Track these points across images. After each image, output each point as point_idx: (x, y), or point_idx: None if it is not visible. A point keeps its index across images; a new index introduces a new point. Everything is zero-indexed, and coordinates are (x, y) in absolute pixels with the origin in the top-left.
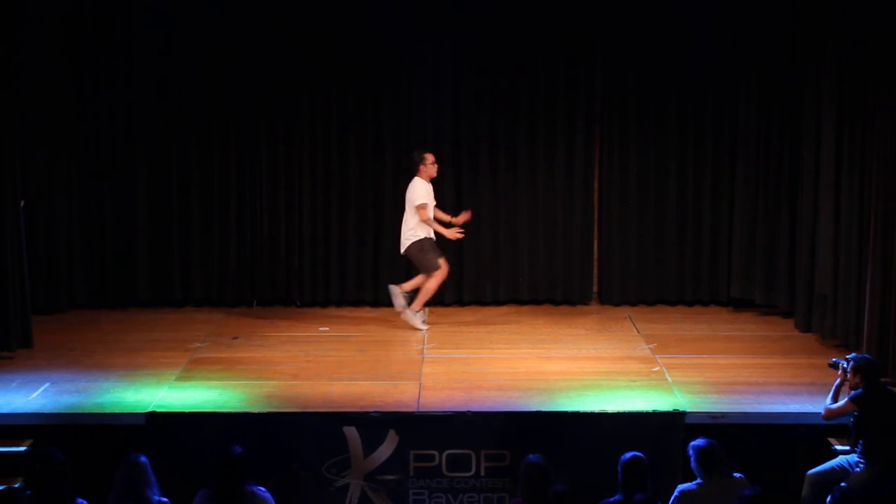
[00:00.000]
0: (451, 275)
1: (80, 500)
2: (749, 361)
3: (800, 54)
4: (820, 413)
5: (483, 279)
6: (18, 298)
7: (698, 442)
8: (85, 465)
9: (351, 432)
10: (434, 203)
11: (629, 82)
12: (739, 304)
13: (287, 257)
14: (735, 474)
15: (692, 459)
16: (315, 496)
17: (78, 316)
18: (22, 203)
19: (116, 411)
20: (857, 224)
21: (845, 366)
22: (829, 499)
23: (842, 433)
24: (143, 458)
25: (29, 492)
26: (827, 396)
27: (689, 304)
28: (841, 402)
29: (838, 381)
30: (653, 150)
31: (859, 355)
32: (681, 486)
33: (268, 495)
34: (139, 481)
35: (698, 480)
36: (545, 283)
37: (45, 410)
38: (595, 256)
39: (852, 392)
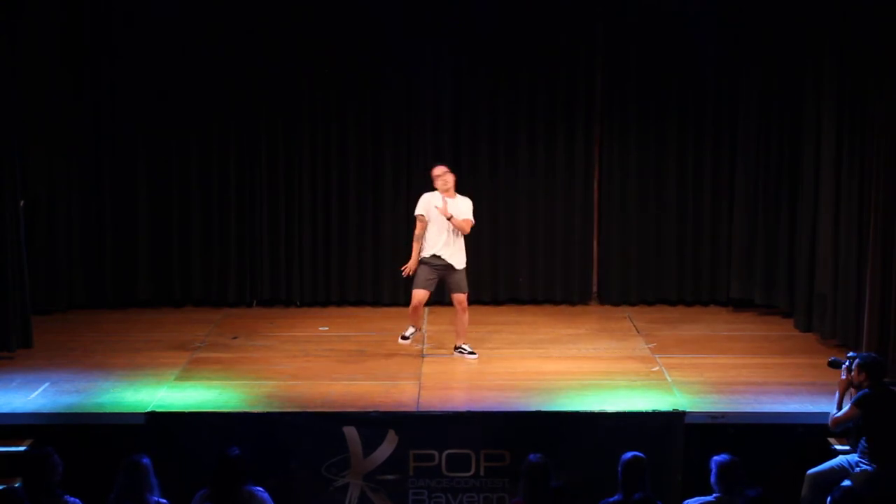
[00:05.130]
0: None
1: (70, 499)
2: (749, 361)
3: (800, 54)
4: (819, 412)
5: (483, 279)
6: (18, 298)
7: (721, 458)
8: (84, 465)
9: (350, 432)
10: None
11: (629, 82)
12: (739, 304)
13: (287, 257)
14: (750, 492)
15: (713, 474)
16: (314, 496)
17: (78, 316)
18: (22, 203)
19: (116, 411)
20: (857, 224)
21: (848, 364)
22: (829, 499)
23: (842, 433)
24: (146, 460)
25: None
26: (832, 405)
27: (689, 304)
28: (845, 409)
29: (838, 392)
30: (653, 150)
31: (864, 353)
32: (699, 500)
33: (266, 495)
34: (140, 483)
35: (716, 495)
36: (545, 283)
37: (45, 410)
38: (595, 256)
39: (855, 396)
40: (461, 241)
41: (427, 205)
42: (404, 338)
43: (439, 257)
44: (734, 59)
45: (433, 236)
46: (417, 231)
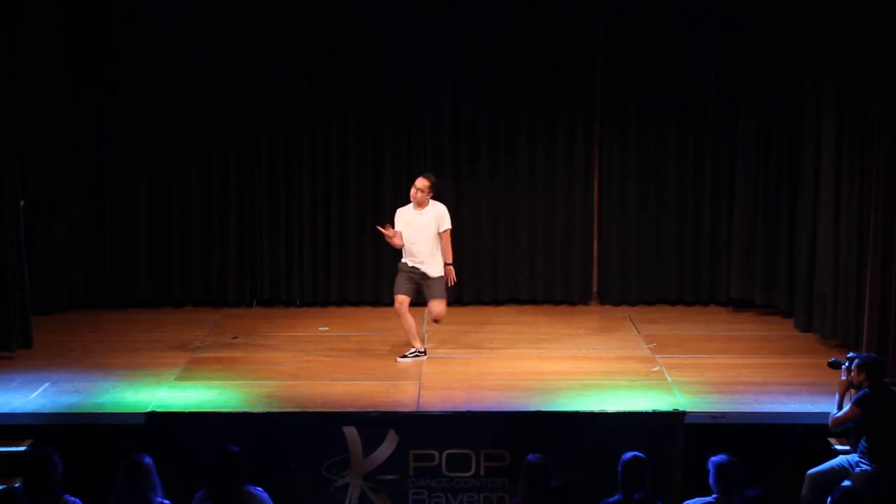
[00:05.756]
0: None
1: (70, 498)
2: (749, 361)
3: (800, 54)
4: (819, 412)
5: (483, 279)
6: (18, 298)
7: (718, 458)
8: (84, 465)
9: (350, 432)
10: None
11: (629, 82)
12: (739, 304)
13: (287, 257)
14: (750, 492)
15: (711, 475)
16: (314, 496)
17: (78, 316)
18: (22, 203)
19: (116, 411)
20: (857, 223)
21: (847, 365)
22: (829, 499)
23: (842, 433)
24: (148, 459)
25: (18, 484)
26: (832, 405)
27: (689, 304)
28: (845, 409)
29: (838, 392)
30: (653, 150)
31: (863, 353)
32: (698, 500)
33: (265, 495)
34: (142, 482)
35: (714, 496)
36: (545, 283)
37: (45, 410)
38: (595, 256)
39: (856, 395)
40: (436, 251)
41: (399, 220)
42: (404, 357)
43: (414, 267)
44: (734, 59)
45: (406, 246)
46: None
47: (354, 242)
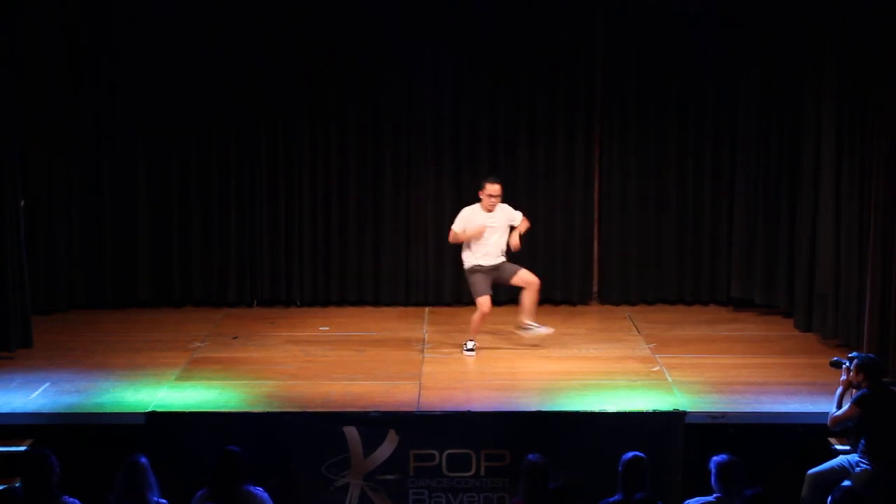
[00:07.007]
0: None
1: (69, 499)
2: (749, 361)
3: (800, 54)
4: (819, 412)
5: None
6: (18, 298)
7: (721, 458)
8: (84, 465)
9: (351, 432)
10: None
11: (629, 82)
12: (739, 303)
13: (287, 257)
14: (748, 491)
15: (713, 475)
16: (315, 496)
17: (78, 316)
18: (22, 203)
19: (116, 411)
20: (858, 223)
21: (848, 365)
22: (829, 499)
23: (842, 433)
24: (144, 459)
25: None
26: (832, 404)
27: (689, 303)
28: (845, 408)
29: (841, 388)
30: (653, 150)
31: (862, 354)
32: (699, 500)
33: (265, 495)
34: (139, 482)
35: (716, 495)
36: (545, 283)
37: (45, 410)
38: (595, 256)
39: (855, 395)
40: (504, 239)
41: (467, 221)
42: (469, 350)
43: (494, 265)
44: (734, 59)
45: (483, 247)
46: (452, 239)
47: (354, 242)
